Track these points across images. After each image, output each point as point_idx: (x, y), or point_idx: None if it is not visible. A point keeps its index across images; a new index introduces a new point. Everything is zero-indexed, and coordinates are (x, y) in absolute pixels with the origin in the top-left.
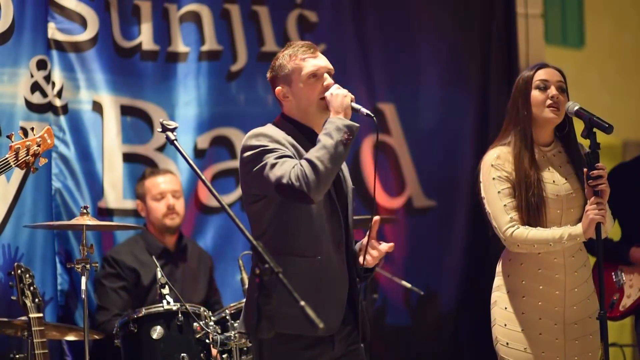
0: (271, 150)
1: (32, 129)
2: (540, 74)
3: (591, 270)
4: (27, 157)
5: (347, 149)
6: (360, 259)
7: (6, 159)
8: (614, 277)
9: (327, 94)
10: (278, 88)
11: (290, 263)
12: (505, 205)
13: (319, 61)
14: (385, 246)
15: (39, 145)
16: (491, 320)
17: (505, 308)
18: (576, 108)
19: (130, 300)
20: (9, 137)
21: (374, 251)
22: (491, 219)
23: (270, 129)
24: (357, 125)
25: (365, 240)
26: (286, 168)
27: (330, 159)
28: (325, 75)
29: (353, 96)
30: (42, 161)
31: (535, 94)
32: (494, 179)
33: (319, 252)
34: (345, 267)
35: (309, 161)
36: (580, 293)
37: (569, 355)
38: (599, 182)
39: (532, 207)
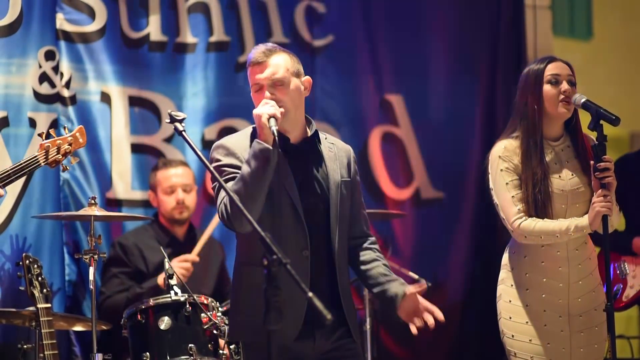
0: (222, 171)
1: (65, 127)
2: (551, 69)
3: (595, 262)
4: (57, 156)
5: (266, 170)
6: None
7: (36, 157)
8: (617, 268)
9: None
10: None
11: (247, 273)
12: (513, 196)
13: (261, 74)
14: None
15: (70, 145)
16: (497, 313)
17: (510, 301)
18: (583, 100)
19: (128, 283)
20: (40, 135)
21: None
22: (499, 210)
23: (233, 138)
24: (269, 148)
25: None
26: (219, 202)
27: (248, 189)
28: (266, 92)
29: (271, 111)
30: (73, 160)
31: (547, 88)
32: (501, 170)
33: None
34: (308, 273)
35: (229, 196)
36: (584, 285)
37: (574, 347)
38: (606, 175)
39: (538, 202)
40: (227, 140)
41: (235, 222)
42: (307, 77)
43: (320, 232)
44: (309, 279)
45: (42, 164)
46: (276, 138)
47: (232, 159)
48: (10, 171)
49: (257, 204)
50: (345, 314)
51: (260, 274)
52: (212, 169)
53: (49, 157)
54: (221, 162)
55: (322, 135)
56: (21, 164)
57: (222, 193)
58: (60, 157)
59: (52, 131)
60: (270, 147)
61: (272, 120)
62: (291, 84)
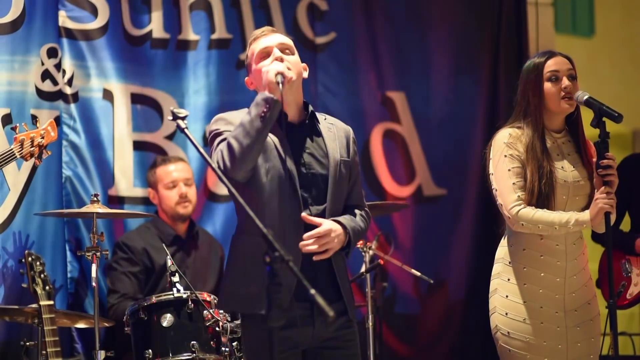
0: (219, 134)
1: (37, 120)
2: (551, 65)
3: (587, 257)
4: (32, 149)
5: (265, 121)
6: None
7: (11, 149)
8: (621, 266)
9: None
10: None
11: (239, 242)
12: (514, 183)
13: (268, 39)
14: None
15: (42, 137)
16: (490, 308)
17: (507, 296)
18: (585, 97)
19: (140, 285)
20: (13, 129)
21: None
22: (497, 195)
23: (232, 112)
24: (273, 97)
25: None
26: (215, 149)
27: (246, 135)
28: (275, 50)
29: (280, 69)
30: (46, 153)
31: (548, 86)
32: (505, 156)
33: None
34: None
35: (227, 141)
36: (578, 280)
37: (571, 342)
38: (608, 172)
39: (542, 194)
40: (225, 114)
41: (232, 165)
42: (304, 64)
43: (317, 210)
44: (301, 253)
45: (18, 156)
46: (281, 90)
47: (230, 127)
48: None
49: (253, 151)
50: (343, 297)
51: (256, 244)
52: (214, 166)
53: (24, 149)
54: (219, 130)
55: (321, 116)
56: None
57: (217, 141)
58: (35, 149)
59: (24, 124)
60: (274, 97)
61: (280, 77)
62: (296, 55)
